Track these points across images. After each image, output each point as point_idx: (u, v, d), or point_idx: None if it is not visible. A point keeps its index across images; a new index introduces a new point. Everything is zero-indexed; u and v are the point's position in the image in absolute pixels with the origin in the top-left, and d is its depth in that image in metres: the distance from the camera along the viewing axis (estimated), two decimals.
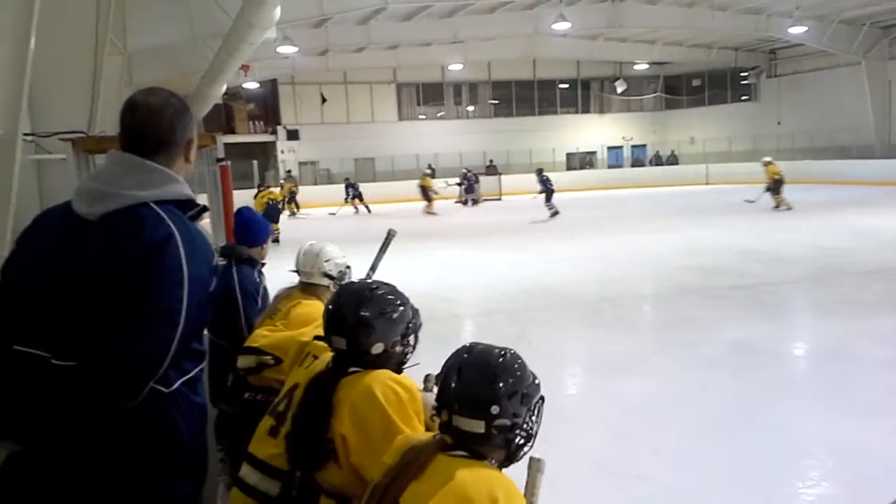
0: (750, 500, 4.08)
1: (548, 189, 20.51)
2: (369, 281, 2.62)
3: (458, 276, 11.98)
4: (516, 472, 1.80)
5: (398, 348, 2.27)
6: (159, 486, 1.91)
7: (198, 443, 2.00)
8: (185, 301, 1.83)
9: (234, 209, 4.23)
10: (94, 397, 1.80)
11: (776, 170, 19.16)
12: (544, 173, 21.12)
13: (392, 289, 2.34)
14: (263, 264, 3.89)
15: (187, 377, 1.93)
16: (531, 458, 1.73)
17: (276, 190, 21.03)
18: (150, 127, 1.96)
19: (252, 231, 3.83)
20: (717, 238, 14.61)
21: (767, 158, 19.77)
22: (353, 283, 2.62)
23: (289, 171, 30.86)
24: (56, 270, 1.89)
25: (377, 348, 2.21)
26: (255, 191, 19.05)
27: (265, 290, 3.78)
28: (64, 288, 1.87)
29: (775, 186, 19.01)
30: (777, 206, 18.98)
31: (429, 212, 24.58)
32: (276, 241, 16.00)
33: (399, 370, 2.27)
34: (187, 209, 1.99)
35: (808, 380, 6.35)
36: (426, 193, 25.43)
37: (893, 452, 4.48)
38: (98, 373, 1.78)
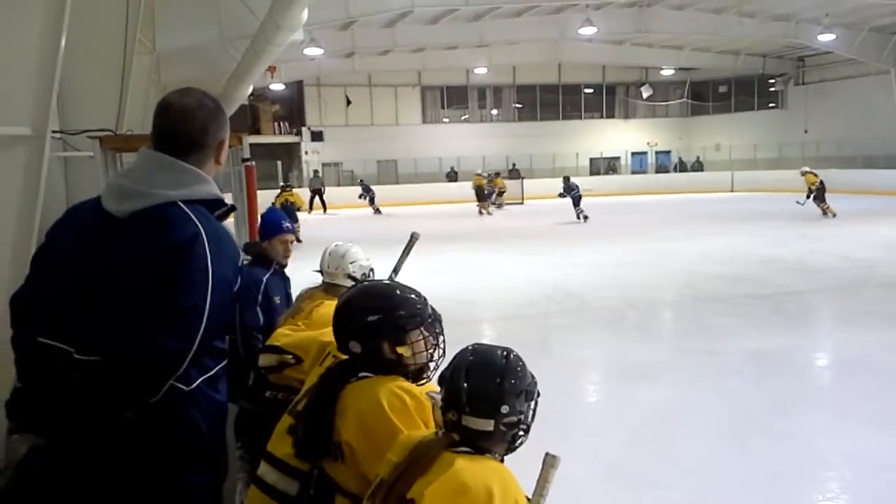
0: None
1: (575, 196, 20.57)
2: (389, 282, 2.63)
3: (479, 279, 11.99)
4: (530, 467, 1.84)
5: (415, 354, 2.23)
6: (177, 480, 1.94)
7: (217, 439, 2.03)
8: (209, 299, 1.86)
9: (258, 207, 4.30)
10: (115, 392, 1.83)
11: (814, 179, 19.28)
12: (571, 180, 21.16)
13: (412, 293, 2.33)
14: (284, 266, 3.89)
15: (208, 375, 1.96)
16: (547, 454, 1.77)
17: (298, 191, 20.85)
18: (182, 128, 1.99)
19: (260, 227, 3.90)
20: (740, 246, 14.50)
21: (805, 168, 20.01)
22: (370, 284, 2.64)
23: (315, 171, 30.94)
24: (83, 266, 1.93)
25: (391, 354, 2.21)
26: (279, 190, 19.13)
27: (286, 291, 3.82)
28: (90, 283, 1.91)
29: (818, 194, 19.14)
30: (824, 214, 19.08)
31: (485, 211, 24.97)
32: (299, 240, 16.18)
33: (418, 378, 2.25)
34: (215, 208, 2.03)
35: (830, 391, 6.29)
36: (480, 193, 25.50)
37: None
38: (119, 368, 1.81)
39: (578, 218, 20.39)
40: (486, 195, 25.57)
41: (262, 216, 3.97)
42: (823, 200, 19.14)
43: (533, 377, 1.91)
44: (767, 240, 15.33)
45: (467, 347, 1.94)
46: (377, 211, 26.21)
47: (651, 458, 4.76)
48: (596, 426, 5.18)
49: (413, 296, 2.32)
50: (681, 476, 4.48)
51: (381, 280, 2.71)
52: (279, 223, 3.91)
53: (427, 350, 2.27)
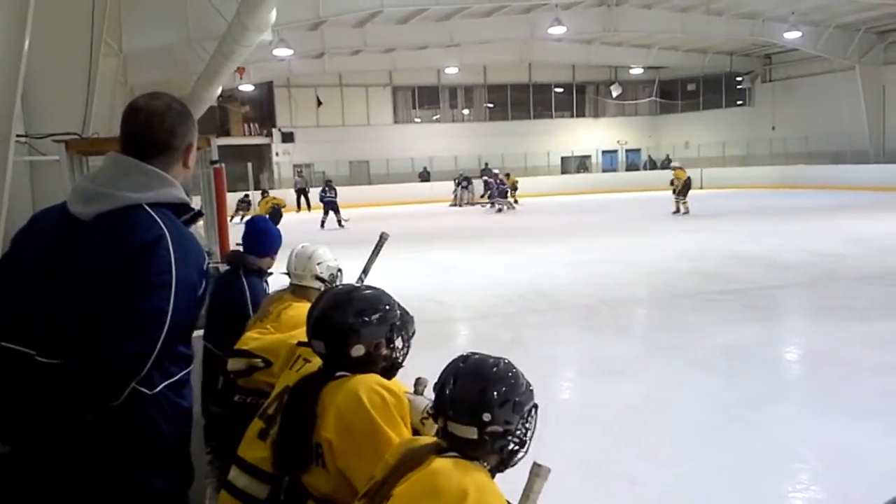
0: (739, 503, 4.09)
1: (496, 189, 21.06)
2: (352, 284, 2.61)
3: (452, 278, 12.00)
4: (518, 477, 1.83)
5: (383, 351, 2.24)
6: (139, 486, 1.92)
7: (181, 444, 2.02)
8: (172, 302, 1.84)
9: (228, 211, 4.20)
10: (76, 396, 1.81)
11: (682, 174, 20.29)
12: (494, 170, 21.81)
13: (375, 291, 2.33)
14: (270, 274, 3.82)
15: (172, 380, 1.94)
16: (534, 464, 1.76)
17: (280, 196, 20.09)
18: (150, 131, 1.98)
19: (266, 241, 3.73)
20: (711, 242, 14.65)
21: (676, 164, 21.42)
22: (336, 286, 2.62)
23: (299, 171, 30.55)
24: (46, 268, 1.92)
25: (358, 350, 2.19)
26: (259, 196, 18.77)
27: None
28: (54, 286, 1.89)
29: (682, 189, 20.05)
30: (676, 211, 19.92)
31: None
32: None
33: (391, 375, 2.25)
34: (182, 213, 2.02)
35: (800, 384, 6.37)
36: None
37: (884, 457, 4.50)
38: (80, 370, 1.79)
39: (494, 207, 20.96)
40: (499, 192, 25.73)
41: (265, 231, 3.79)
42: (684, 197, 19.95)
43: (528, 388, 1.86)
44: (737, 236, 15.51)
45: (462, 354, 1.92)
46: (340, 223, 21.88)
47: (625, 454, 4.80)
48: (570, 422, 5.20)
49: (383, 296, 2.32)
50: (655, 471, 4.51)
51: (349, 284, 2.69)
52: (280, 239, 3.82)
53: (399, 349, 2.28)
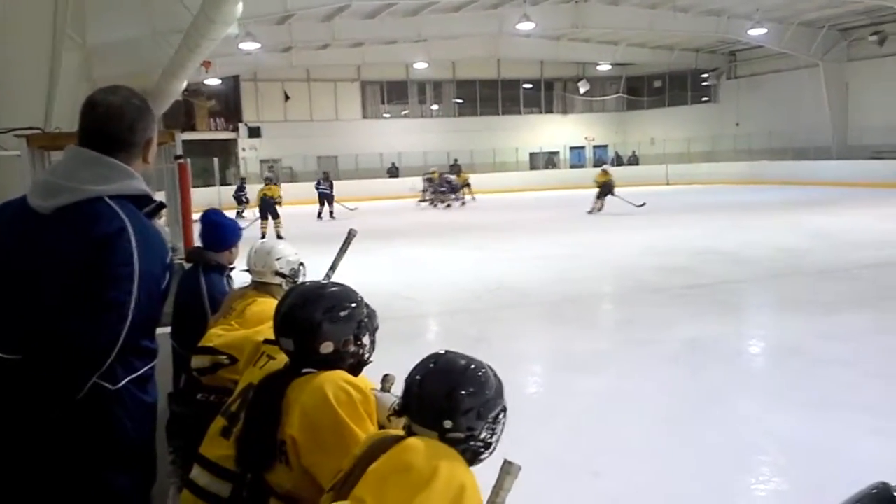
0: (703, 495, 4.14)
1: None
2: (319, 281, 2.59)
3: (420, 274, 11.99)
4: (489, 473, 1.81)
5: (351, 348, 2.23)
6: (101, 482, 1.91)
7: (144, 441, 2.00)
8: (134, 295, 1.83)
9: (192, 206, 4.12)
10: (38, 390, 1.79)
11: (607, 178, 20.93)
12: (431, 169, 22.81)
13: (343, 288, 2.31)
14: (232, 268, 3.73)
15: (136, 375, 1.93)
16: (504, 461, 1.75)
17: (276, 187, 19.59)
18: (108, 127, 1.97)
19: (220, 235, 3.63)
20: (676, 238, 14.80)
21: (606, 167, 22.30)
22: (303, 283, 2.59)
23: (270, 167, 30.23)
24: (6, 262, 1.90)
25: (326, 348, 2.18)
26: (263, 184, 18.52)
27: None
28: (13, 280, 1.88)
29: (603, 191, 20.61)
30: (590, 210, 20.44)
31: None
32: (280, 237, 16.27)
33: (357, 371, 2.24)
34: (144, 205, 2.00)
35: (764, 377, 6.45)
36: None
37: (846, 449, 4.57)
38: (41, 365, 1.77)
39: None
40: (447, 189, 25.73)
41: (217, 224, 3.67)
42: (602, 198, 20.49)
43: (497, 393, 1.84)
44: (702, 231, 15.70)
45: (436, 353, 1.89)
46: (332, 215, 22.36)
47: (591, 447, 4.83)
48: (537, 417, 5.22)
49: (351, 292, 2.30)
50: (620, 464, 4.55)
51: (316, 281, 2.66)
52: (238, 231, 3.74)
53: (367, 346, 2.27)
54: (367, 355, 2.29)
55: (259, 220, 17.66)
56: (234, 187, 25.20)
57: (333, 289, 2.30)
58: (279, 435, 2.08)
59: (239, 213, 21.63)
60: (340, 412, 2.04)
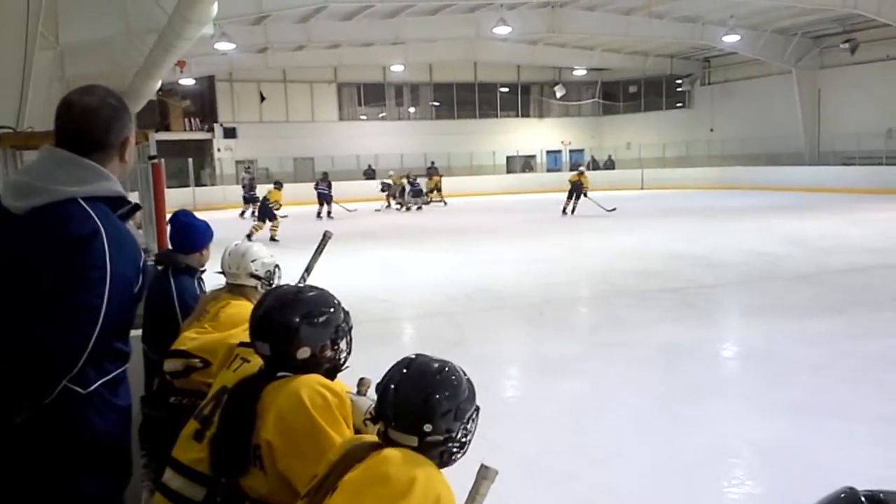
0: (677, 498, 4.17)
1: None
2: (296, 284, 2.57)
3: (397, 277, 11.97)
4: (465, 476, 1.82)
5: (328, 353, 2.21)
6: (72, 487, 1.89)
7: (117, 445, 1.98)
8: (105, 298, 1.82)
9: (166, 207, 4.07)
10: (7, 393, 1.76)
11: (584, 180, 21.39)
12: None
13: (321, 292, 2.29)
14: (203, 271, 3.66)
15: (107, 378, 1.91)
16: (482, 465, 1.76)
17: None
18: (84, 127, 1.95)
19: (189, 236, 3.56)
20: (651, 242, 14.90)
21: (582, 169, 22.90)
22: (280, 286, 2.57)
23: (247, 167, 29.94)
24: None
25: (303, 353, 2.16)
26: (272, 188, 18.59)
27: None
28: None
29: (578, 194, 21.11)
30: (563, 211, 21.03)
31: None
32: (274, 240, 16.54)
33: (333, 376, 2.23)
34: (118, 207, 1.98)
35: (737, 381, 6.51)
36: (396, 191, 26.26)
37: (818, 452, 4.62)
38: (10, 367, 1.75)
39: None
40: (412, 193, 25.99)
41: (186, 226, 3.60)
42: (573, 199, 21.06)
43: (470, 393, 1.85)
44: (677, 235, 15.82)
45: (408, 357, 1.89)
46: (330, 215, 22.77)
47: (566, 450, 4.84)
48: (513, 420, 5.23)
49: (328, 297, 2.29)
50: (595, 467, 4.57)
51: (293, 285, 2.64)
52: (208, 232, 3.64)
53: (343, 350, 2.26)
54: (343, 360, 2.28)
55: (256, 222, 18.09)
56: (209, 188, 25.07)
57: (311, 293, 2.27)
58: (254, 439, 2.06)
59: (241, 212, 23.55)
60: (316, 416, 2.02)
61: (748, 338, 7.83)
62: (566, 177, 29.27)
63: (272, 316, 2.18)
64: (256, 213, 19.23)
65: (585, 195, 20.78)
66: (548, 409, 5.61)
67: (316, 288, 2.33)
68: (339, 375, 2.26)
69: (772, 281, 10.63)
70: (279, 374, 2.15)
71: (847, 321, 7.97)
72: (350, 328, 2.29)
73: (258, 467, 2.06)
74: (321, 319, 2.20)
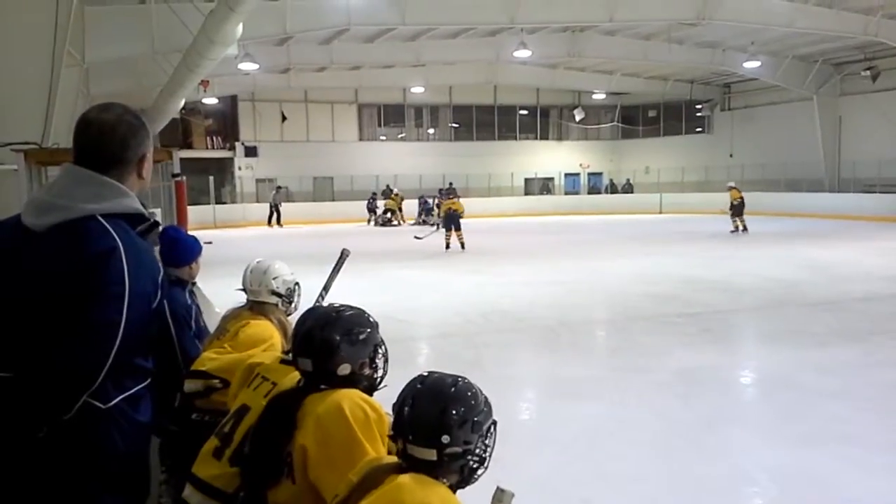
0: None
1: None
2: (335, 304, 2.61)
3: (414, 297, 11.97)
4: (482, 497, 1.83)
5: (366, 370, 2.26)
6: (92, 501, 1.90)
7: (137, 460, 1.99)
8: (125, 314, 1.83)
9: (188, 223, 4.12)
10: (27, 409, 1.78)
11: (737, 194, 21.30)
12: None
13: (359, 311, 2.35)
14: (194, 283, 3.70)
15: (128, 394, 1.92)
16: (497, 488, 1.77)
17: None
18: (101, 144, 1.97)
19: (176, 251, 3.56)
20: (669, 266, 14.83)
21: (731, 183, 22.23)
22: (321, 305, 2.61)
23: (278, 187, 30.83)
24: (1, 281, 1.89)
25: (343, 370, 2.21)
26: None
27: (198, 308, 3.67)
28: (6, 298, 1.87)
29: (737, 210, 21.13)
30: (734, 229, 20.92)
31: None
32: None
33: (370, 394, 2.26)
34: (137, 224, 2.00)
35: (755, 408, 6.46)
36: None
37: (836, 481, 4.58)
38: (31, 383, 1.77)
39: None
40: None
41: (175, 240, 3.62)
42: (741, 215, 21.07)
43: (486, 407, 1.87)
44: (695, 260, 15.74)
45: (421, 374, 1.92)
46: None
47: (582, 475, 4.81)
48: (529, 443, 5.21)
49: (366, 316, 2.35)
50: (611, 492, 4.54)
51: (329, 304, 2.68)
52: (197, 246, 3.67)
53: (380, 369, 2.30)
54: (378, 380, 2.31)
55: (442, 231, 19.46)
56: (229, 206, 25.66)
57: (350, 312, 2.32)
58: (288, 447, 2.08)
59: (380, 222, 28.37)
60: (355, 428, 2.05)
61: (766, 364, 7.76)
62: (585, 200, 29.41)
63: (314, 333, 2.23)
64: (439, 224, 20.98)
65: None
66: (564, 433, 5.58)
67: (353, 307, 2.37)
68: (375, 395, 2.29)
69: (790, 307, 10.55)
70: (321, 386, 2.19)
71: (865, 350, 7.89)
72: (386, 348, 2.33)
73: (288, 476, 2.09)
74: (361, 337, 2.25)
